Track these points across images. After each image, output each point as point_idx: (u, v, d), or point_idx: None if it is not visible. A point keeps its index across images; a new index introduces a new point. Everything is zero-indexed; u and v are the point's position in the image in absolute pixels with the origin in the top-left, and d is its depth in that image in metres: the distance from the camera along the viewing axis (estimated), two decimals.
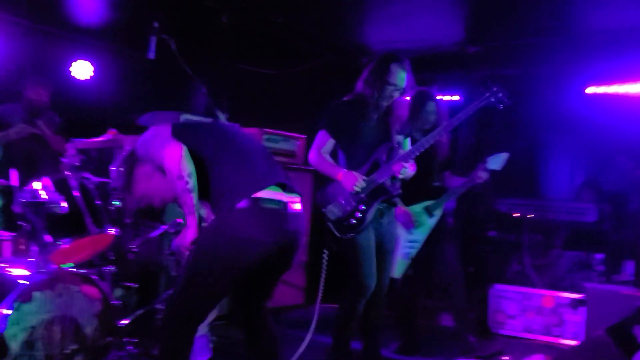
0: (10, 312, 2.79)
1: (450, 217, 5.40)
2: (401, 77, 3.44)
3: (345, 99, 3.59)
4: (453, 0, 4.64)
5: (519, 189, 5.96)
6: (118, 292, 3.74)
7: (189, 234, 2.46)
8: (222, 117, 3.69)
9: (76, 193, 3.17)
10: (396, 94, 3.48)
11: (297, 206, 2.60)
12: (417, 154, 3.50)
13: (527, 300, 4.76)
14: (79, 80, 5.09)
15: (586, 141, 5.90)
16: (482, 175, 3.98)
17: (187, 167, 2.40)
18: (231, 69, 5.15)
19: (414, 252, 4.01)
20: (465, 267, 5.26)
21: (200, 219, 2.50)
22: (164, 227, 3.83)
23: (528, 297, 4.76)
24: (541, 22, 4.84)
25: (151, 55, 3.59)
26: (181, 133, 2.52)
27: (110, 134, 3.48)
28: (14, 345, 2.79)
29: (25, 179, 3.16)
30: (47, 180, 3.10)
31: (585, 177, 6.09)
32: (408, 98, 3.72)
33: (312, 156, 3.57)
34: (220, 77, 4.95)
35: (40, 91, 4.49)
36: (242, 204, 2.42)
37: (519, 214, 5.46)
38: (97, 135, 3.52)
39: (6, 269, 3.08)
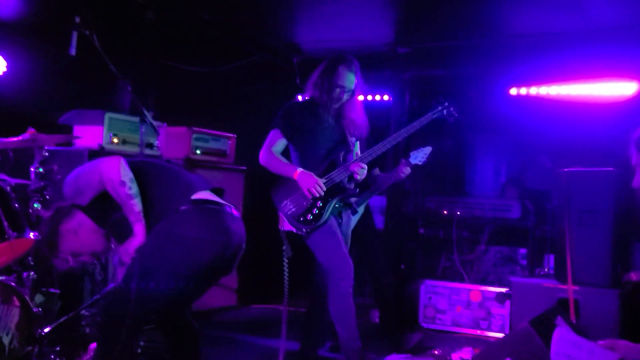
0: None
1: (382, 215, 5.48)
2: (349, 79, 3.50)
3: (298, 100, 3.62)
4: (383, 2, 4.69)
5: (446, 187, 6.12)
6: (39, 298, 3.56)
7: (136, 241, 2.44)
8: (148, 115, 3.58)
9: None
10: (345, 96, 3.53)
11: (235, 211, 2.62)
12: (374, 157, 3.56)
13: (455, 295, 4.88)
14: None
15: (510, 140, 6.13)
16: (405, 170, 4.06)
17: (127, 172, 2.42)
18: (158, 67, 5.02)
19: None
20: (396, 264, 5.36)
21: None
22: None
23: (457, 292, 4.88)
24: (467, 25, 4.97)
25: (72, 51, 3.44)
26: None
27: (28, 134, 3.31)
28: None
29: None
30: None
31: (508, 175, 6.31)
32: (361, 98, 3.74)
33: (264, 155, 3.55)
34: (146, 75, 4.82)
35: None
36: (185, 206, 2.44)
37: (447, 212, 5.60)
38: (15, 135, 3.34)
39: None
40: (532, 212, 5.33)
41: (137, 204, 2.42)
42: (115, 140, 4.29)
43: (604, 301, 3.93)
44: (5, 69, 4.82)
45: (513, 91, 5.62)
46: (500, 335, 4.63)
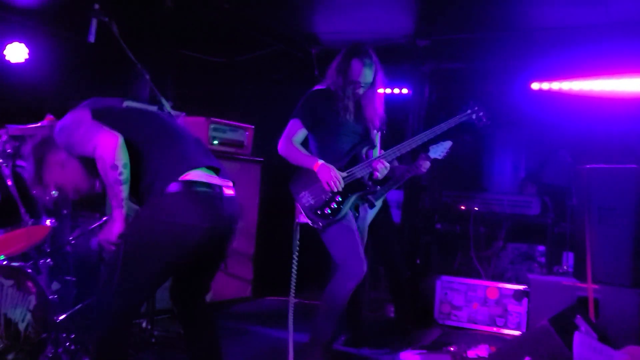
0: None
1: (398, 209, 5.44)
2: (365, 73, 3.39)
3: (319, 88, 3.50)
4: None
5: (464, 182, 6.06)
6: (55, 285, 3.58)
7: (116, 227, 2.33)
8: (166, 105, 3.56)
9: (9, 182, 3.00)
10: (361, 90, 3.44)
11: (230, 191, 2.49)
12: (398, 155, 3.50)
13: (472, 291, 4.83)
14: (13, 63, 4.84)
15: (529, 136, 6.05)
16: (425, 165, 4.01)
17: (123, 157, 2.29)
18: (176, 56, 5.00)
19: None
20: (412, 259, 5.32)
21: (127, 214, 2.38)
22: (105, 218, 3.69)
23: (473, 288, 4.83)
24: (489, 17, 4.90)
25: (91, 38, 3.43)
26: (102, 118, 2.39)
27: (47, 120, 3.31)
28: None
29: None
30: None
31: (527, 171, 6.23)
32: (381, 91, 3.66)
33: (283, 145, 3.46)
34: (164, 64, 4.80)
35: None
36: (173, 187, 2.31)
37: (464, 207, 5.54)
38: (33, 121, 3.34)
39: None
40: (551, 209, 5.25)
41: (123, 191, 2.29)
42: None
43: (624, 300, 3.86)
44: (27, 56, 4.85)
45: (535, 86, 5.54)
46: (516, 333, 4.58)
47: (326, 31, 5.53)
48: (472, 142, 6.08)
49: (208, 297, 4.64)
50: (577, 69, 5.27)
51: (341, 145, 3.45)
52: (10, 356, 2.84)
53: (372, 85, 3.46)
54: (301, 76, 5.91)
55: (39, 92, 4.75)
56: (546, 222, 5.23)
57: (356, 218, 3.52)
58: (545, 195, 5.40)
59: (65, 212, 3.52)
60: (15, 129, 3.22)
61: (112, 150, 2.27)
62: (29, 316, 2.94)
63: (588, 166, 4.18)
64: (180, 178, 2.32)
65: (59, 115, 3.39)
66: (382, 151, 3.60)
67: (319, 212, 3.37)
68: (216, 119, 5.02)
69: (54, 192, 3.35)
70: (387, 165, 3.42)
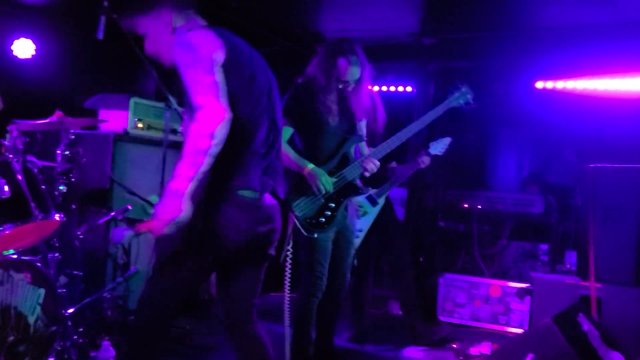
0: None
1: (402, 207, 5.46)
2: (352, 71, 3.23)
3: (299, 82, 3.34)
4: None
5: (468, 180, 6.08)
6: (62, 280, 3.61)
7: (174, 208, 1.94)
8: (173, 101, 3.58)
9: (19, 177, 3.03)
10: (349, 87, 3.30)
11: (269, 197, 2.31)
12: (388, 151, 3.39)
13: (475, 289, 4.86)
14: (20, 59, 4.87)
15: (533, 135, 6.06)
16: (425, 160, 4.01)
17: (224, 133, 1.99)
18: None
19: (358, 241, 4.01)
20: (416, 257, 5.34)
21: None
22: (112, 213, 3.73)
23: (476, 286, 4.86)
24: (494, 16, 4.91)
25: (100, 35, 3.44)
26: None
27: (56, 116, 3.34)
28: None
29: None
30: None
31: (530, 170, 6.25)
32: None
33: None
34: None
35: None
36: (225, 197, 2.13)
37: (468, 205, 5.56)
38: (43, 117, 3.37)
39: None
40: (555, 208, 5.27)
41: (205, 163, 1.95)
42: (140, 125, 4.32)
43: (627, 299, 3.88)
44: (33, 52, 4.88)
45: (539, 85, 5.55)
46: (519, 330, 4.61)
47: (332, 29, 5.54)
48: (476, 140, 6.11)
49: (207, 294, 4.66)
50: (581, 68, 5.27)
51: (328, 142, 3.32)
52: (20, 348, 2.87)
53: (360, 82, 3.31)
54: (305, 72, 5.91)
55: (46, 87, 4.77)
56: (549, 221, 5.25)
57: (344, 217, 3.41)
58: (549, 194, 5.43)
59: (73, 207, 3.55)
60: (25, 124, 3.25)
61: (215, 124, 1.97)
62: (38, 309, 2.97)
63: (593, 166, 4.20)
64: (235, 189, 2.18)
65: (66, 112, 3.43)
66: (370, 148, 3.50)
67: (313, 222, 3.25)
68: None
69: (61, 187, 3.40)
70: (377, 163, 3.33)
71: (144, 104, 4.36)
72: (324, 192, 3.21)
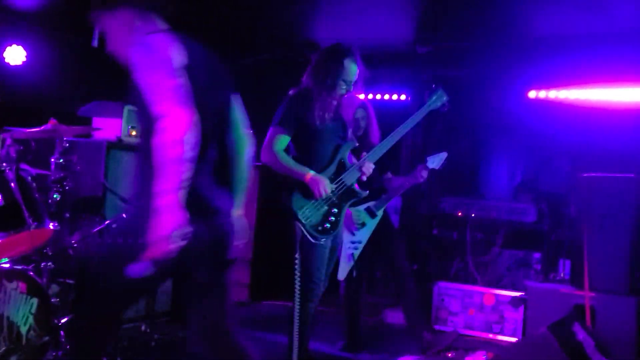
0: None
1: (396, 215, 5.47)
2: (353, 71, 3.34)
3: (295, 91, 3.40)
4: (404, 1, 4.67)
5: (461, 188, 6.09)
6: (54, 289, 3.58)
7: (168, 223, 1.87)
8: None
9: (13, 185, 3.00)
10: (349, 89, 3.38)
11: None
12: (382, 153, 3.48)
13: (468, 297, 4.85)
14: (11, 66, 4.85)
15: (526, 143, 6.08)
16: (423, 175, 4.06)
17: (192, 136, 1.93)
18: None
19: (357, 252, 4.02)
20: (409, 265, 5.34)
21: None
22: (105, 222, 3.70)
23: (470, 294, 4.86)
24: (488, 26, 4.95)
25: (95, 43, 3.44)
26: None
27: (50, 124, 3.31)
28: None
29: None
30: None
31: (523, 179, 6.27)
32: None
33: (266, 155, 3.30)
34: None
35: None
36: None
37: (461, 213, 5.57)
38: (34, 125, 3.34)
39: None
40: (548, 216, 5.29)
41: (183, 171, 1.88)
42: (134, 132, 4.30)
43: (621, 308, 3.89)
44: (24, 59, 4.85)
45: (532, 94, 5.58)
46: (512, 339, 4.61)
47: (327, 37, 5.54)
48: (469, 148, 6.13)
49: None
50: (573, 77, 5.31)
51: (324, 149, 3.37)
52: (12, 358, 2.84)
53: (355, 85, 3.41)
54: (300, 82, 5.91)
55: (37, 95, 4.76)
56: (542, 229, 5.27)
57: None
58: (542, 202, 5.44)
59: (67, 215, 3.52)
60: (19, 132, 3.23)
61: (183, 127, 1.90)
62: (31, 319, 2.94)
63: (587, 175, 4.22)
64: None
65: (59, 119, 3.41)
66: (364, 153, 3.56)
67: (319, 228, 3.28)
68: None
69: (55, 195, 3.37)
70: (373, 165, 3.43)
71: None
72: (328, 197, 3.27)
